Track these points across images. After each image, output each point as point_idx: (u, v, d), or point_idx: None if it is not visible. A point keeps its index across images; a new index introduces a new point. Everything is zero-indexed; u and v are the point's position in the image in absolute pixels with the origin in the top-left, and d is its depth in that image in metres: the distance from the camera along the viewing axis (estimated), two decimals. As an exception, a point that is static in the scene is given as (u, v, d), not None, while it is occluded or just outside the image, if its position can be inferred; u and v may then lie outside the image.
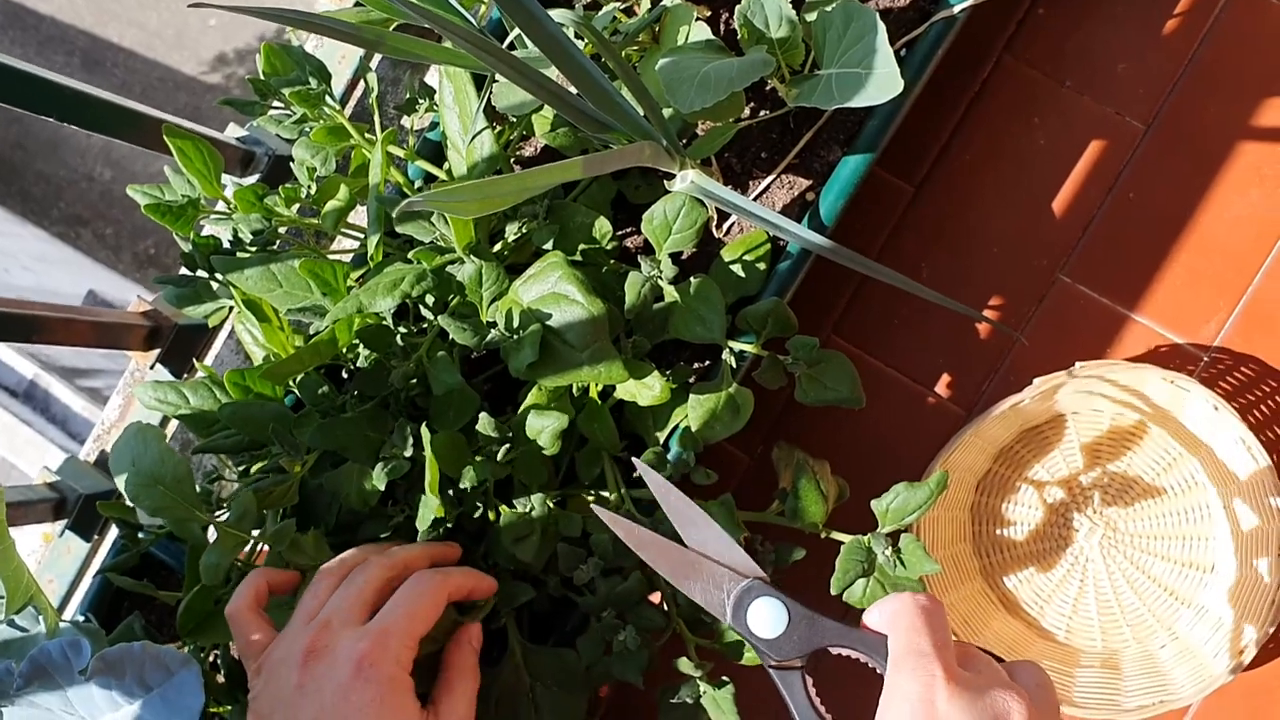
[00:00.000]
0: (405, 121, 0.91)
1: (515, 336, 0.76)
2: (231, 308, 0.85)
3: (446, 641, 0.75)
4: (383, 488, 0.76)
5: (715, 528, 0.68)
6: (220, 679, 0.85)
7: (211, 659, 0.86)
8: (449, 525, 0.79)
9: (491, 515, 0.80)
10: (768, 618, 0.65)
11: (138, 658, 0.64)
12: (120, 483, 0.77)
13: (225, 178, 0.84)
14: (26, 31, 3.26)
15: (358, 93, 1.03)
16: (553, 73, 0.70)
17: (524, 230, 0.81)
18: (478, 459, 0.76)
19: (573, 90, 0.69)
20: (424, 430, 0.74)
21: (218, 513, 0.81)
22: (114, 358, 2.79)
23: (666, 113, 0.75)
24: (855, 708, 0.67)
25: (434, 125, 0.87)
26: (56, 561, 1.02)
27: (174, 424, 1.04)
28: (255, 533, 0.80)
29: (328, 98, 0.82)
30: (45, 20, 3.32)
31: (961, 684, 0.59)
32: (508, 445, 0.77)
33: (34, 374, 2.96)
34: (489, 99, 0.77)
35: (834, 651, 0.65)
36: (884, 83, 0.66)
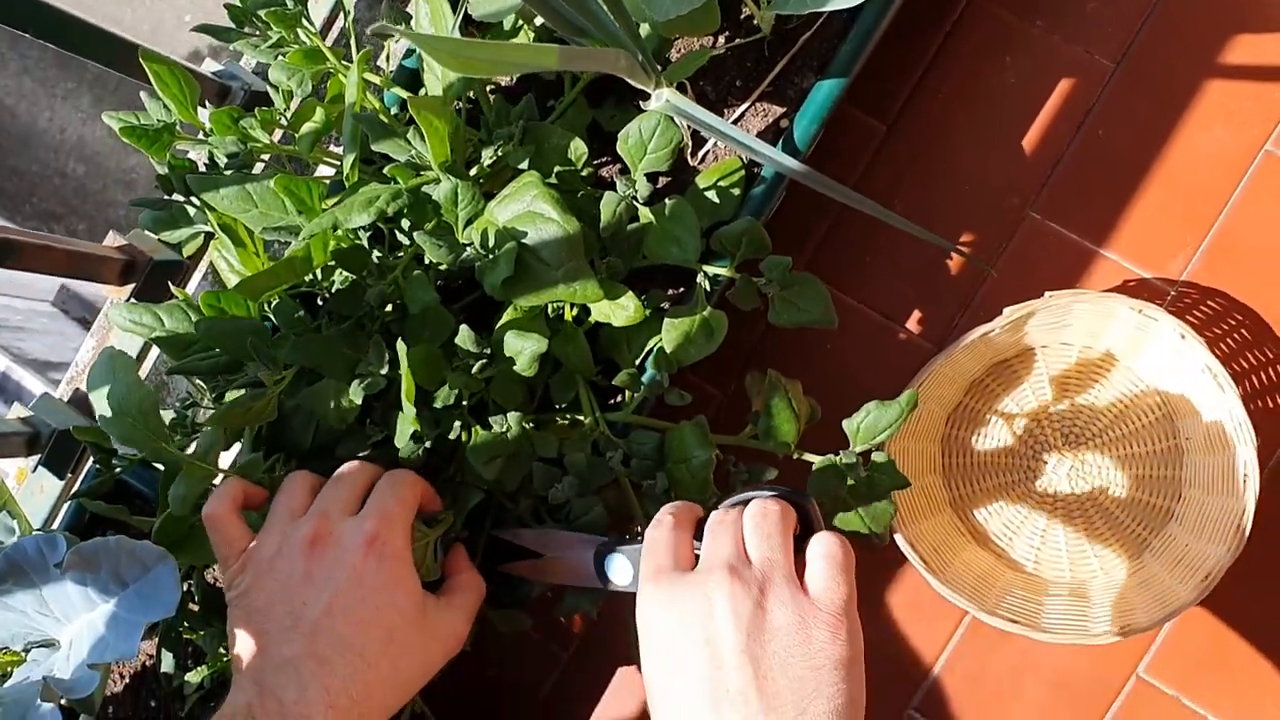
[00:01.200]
0: (382, 61, 0.91)
1: (491, 255, 0.76)
2: (208, 235, 0.85)
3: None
4: (359, 403, 0.77)
5: (562, 533, 0.78)
6: (194, 606, 0.85)
7: (186, 586, 0.86)
8: (427, 446, 0.80)
9: (466, 436, 0.80)
10: (623, 568, 0.74)
11: (113, 552, 0.65)
12: (95, 402, 0.77)
13: (201, 112, 0.84)
14: (-1, 24, 3.24)
15: (334, 32, 1.03)
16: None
17: (499, 154, 0.81)
18: (454, 372, 0.77)
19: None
20: (400, 345, 0.74)
21: (192, 437, 0.81)
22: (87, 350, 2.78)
23: (644, 31, 0.76)
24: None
25: (410, 53, 0.88)
26: (29, 499, 1.01)
27: (152, 356, 1.04)
28: (224, 464, 0.80)
29: (304, 20, 0.82)
30: (18, 11, 3.29)
31: (665, 602, 0.64)
32: (485, 361, 0.77)
33: (5, 366, 2.94)
34: (465, 14, 0.77)
35: None
36: (855, -13, 0.67)
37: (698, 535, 0.69)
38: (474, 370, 0.77)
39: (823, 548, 0.64)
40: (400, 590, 0.70)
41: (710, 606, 0.61)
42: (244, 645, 0.68)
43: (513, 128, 0.81)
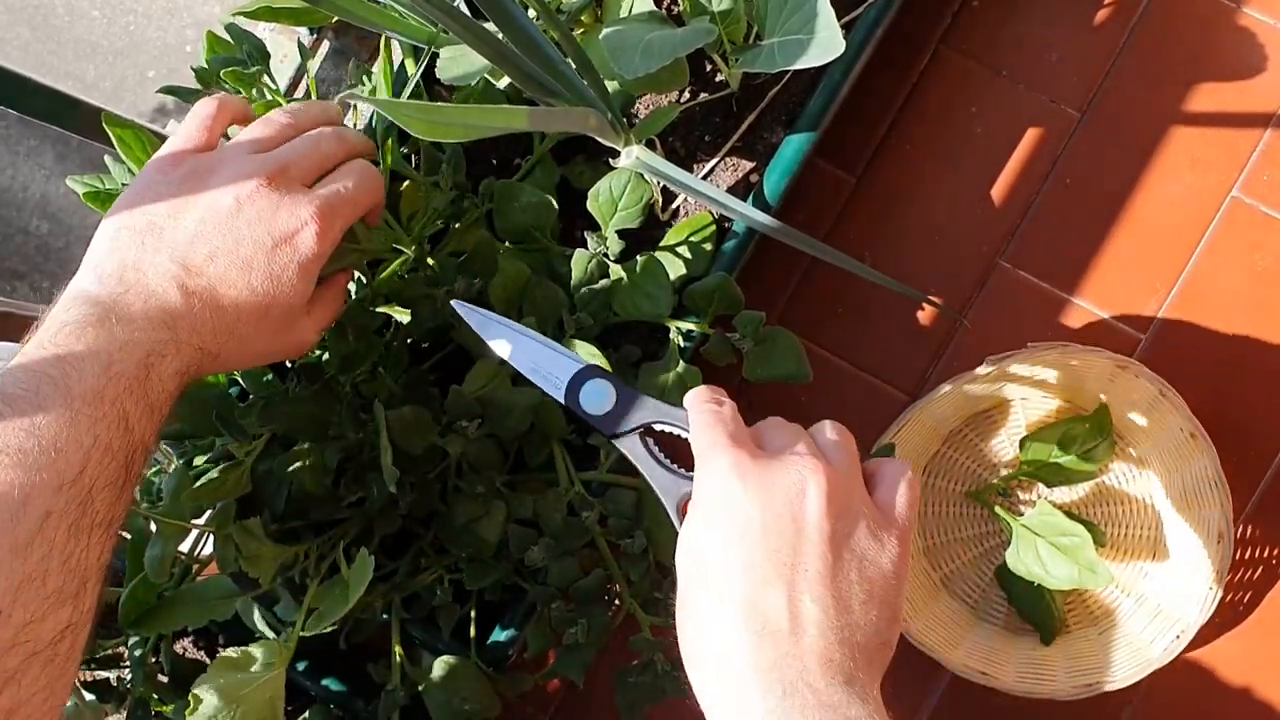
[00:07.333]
0: (349, 119, 0.91)
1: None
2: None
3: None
4: (335, 466, 0.75)
5: (543, 342, 0.71)
6: (163, 678, 0.84)
7: (154, 659, 0.84)
8: (403, 514, 0.79)
9: (442, 500, 0.79)
10: (597, 397, 0.68)
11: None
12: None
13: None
14: (-40, 79, 3.23)
15: (299, 91, 1.03)
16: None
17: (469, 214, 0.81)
18: (446, 436, 0.76)
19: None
20: (377, 405, 0.73)
21: (159, 503, 0.80)
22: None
23: (611, 88, 0.76)
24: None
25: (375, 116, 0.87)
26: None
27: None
28: (200, 521, 0.79)
29: (266, 78, 0.81)
30: (-21, 68, 3.28)
31: (754, 473, 0.60)
32: (479, 420, 0.76)
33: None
34: (430, 73, 0.77)
35: (658, 428, 0.67)
36: (826, 45, 0.67)
37: None
38: (470, 433, 0.76)
39: (896, 468, 0.63)
40: (297, 280, 0.66)
41: (804, 488, 0.59)
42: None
43: (480, 197, 0.81)
